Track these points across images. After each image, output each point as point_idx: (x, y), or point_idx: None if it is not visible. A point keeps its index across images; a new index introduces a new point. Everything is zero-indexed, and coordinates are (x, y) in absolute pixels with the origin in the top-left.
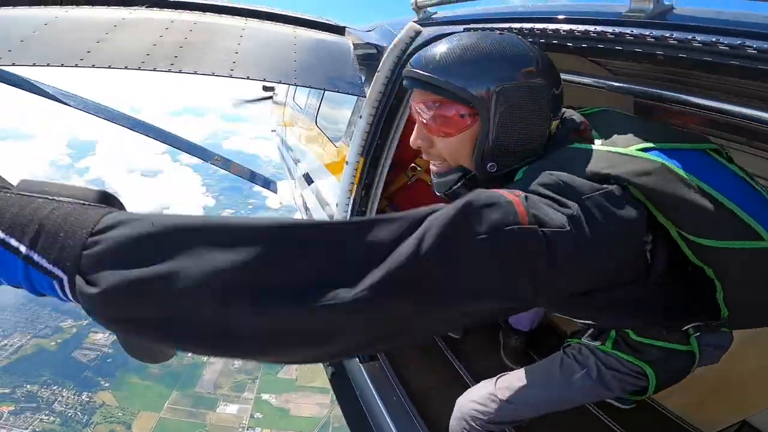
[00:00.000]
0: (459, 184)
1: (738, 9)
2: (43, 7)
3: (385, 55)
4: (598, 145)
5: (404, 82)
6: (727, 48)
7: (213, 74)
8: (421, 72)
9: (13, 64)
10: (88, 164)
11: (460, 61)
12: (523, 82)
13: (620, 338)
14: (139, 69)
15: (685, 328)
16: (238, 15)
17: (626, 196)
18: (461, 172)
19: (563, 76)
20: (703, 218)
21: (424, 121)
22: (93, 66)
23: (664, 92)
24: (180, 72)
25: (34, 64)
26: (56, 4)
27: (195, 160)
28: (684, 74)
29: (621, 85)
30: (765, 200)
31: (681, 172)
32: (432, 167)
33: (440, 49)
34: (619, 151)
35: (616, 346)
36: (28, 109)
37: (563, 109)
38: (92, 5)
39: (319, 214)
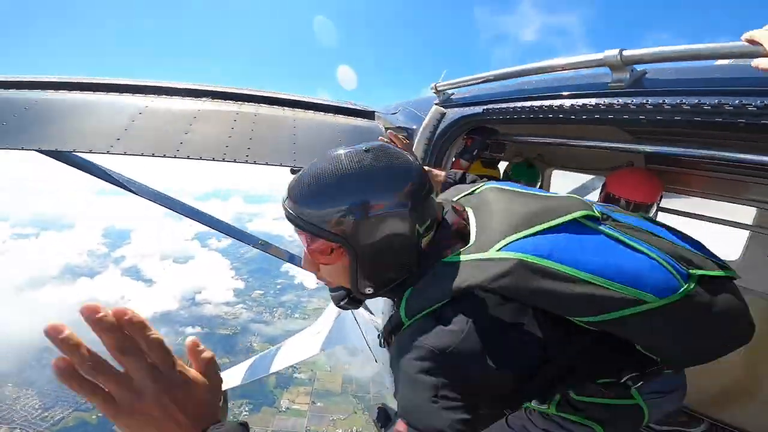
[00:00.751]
0: (345, 300)
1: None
2: (130, 95)
3: (416, 139)
4: (464, 254)
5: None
6: (708, 107)
7: (281, 164)
8: (286, 209)
9: (125, 154)
10: (124, 253)
11: (314, 198)
12: (379, 211)
13: (564, 400)
14: (223, 160)
15: (623, 380)
16: (284, 105)
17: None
18: (345, 291)
19: (577, 141)
20: (565, 302)
21: (305, 249)
22: (188, 157)
23: (662, 148)
24: (255, 163)
25: (142, 154)
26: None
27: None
28: (675, 132)
29: (629, 146)
30: (646, 258)
31: (536, 260)
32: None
33: (298, 184)
34: (479, 258)
35: (559, 407)
36: (67, 199)
37: (446, 203)
38: (170, 96)
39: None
